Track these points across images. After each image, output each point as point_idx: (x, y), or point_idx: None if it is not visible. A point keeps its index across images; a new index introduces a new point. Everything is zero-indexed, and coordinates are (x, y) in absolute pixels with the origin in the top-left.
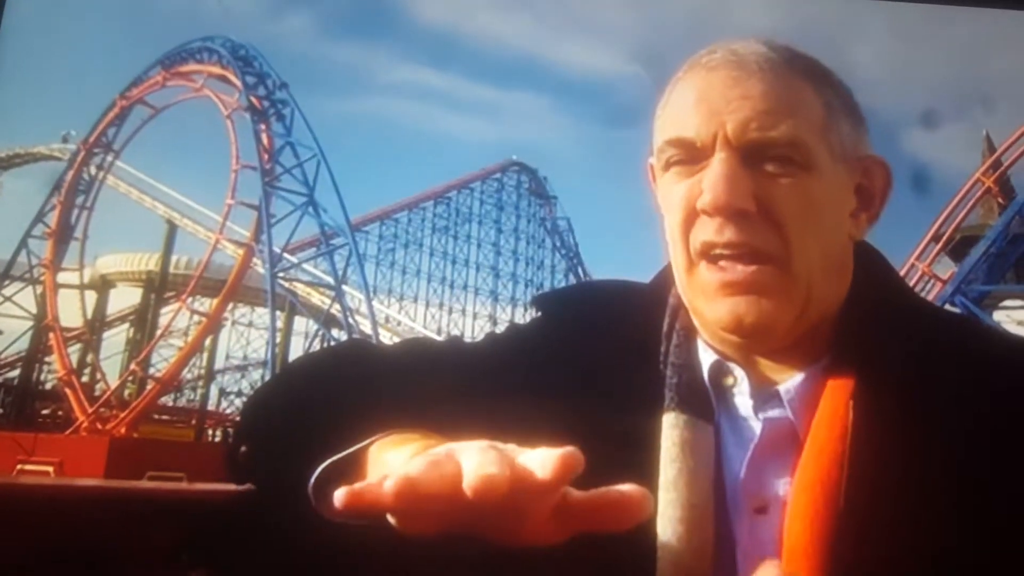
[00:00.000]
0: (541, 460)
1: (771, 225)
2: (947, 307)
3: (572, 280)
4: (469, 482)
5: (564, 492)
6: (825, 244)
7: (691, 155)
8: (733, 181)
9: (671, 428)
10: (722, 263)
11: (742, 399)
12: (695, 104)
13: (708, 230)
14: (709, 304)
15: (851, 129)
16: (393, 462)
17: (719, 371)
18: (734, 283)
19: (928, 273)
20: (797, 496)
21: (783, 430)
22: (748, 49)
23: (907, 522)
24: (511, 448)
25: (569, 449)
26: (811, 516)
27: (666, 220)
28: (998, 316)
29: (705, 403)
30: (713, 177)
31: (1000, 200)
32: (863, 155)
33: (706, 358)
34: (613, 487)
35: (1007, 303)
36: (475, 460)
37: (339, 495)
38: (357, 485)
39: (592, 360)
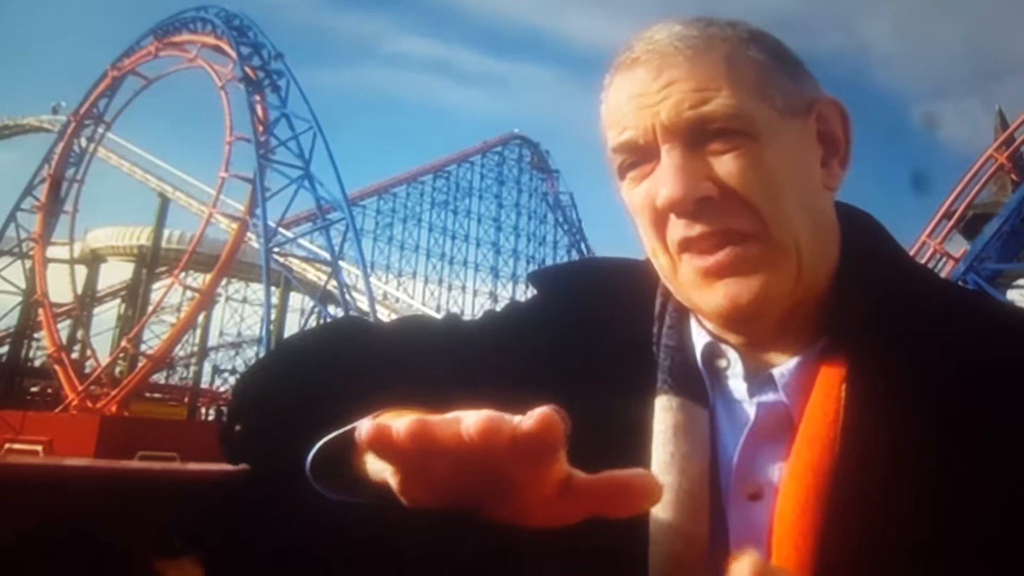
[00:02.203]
0: (531, 416)
1: (739, 204)
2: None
3: (575, 256)
4: (472, 426)
5: (569, 473)
6: (803, 206)
7: (638, 156)
8: (684, 171)
9: (664, 411)
10: (703, 252)
11: (736, 382)
12: (627, 104)
13: (679, 228)
14: (701, 293)
15: (789, 80)
16: None
17: (712, 353)
18: (721, 266)
19: (940, 251)
20: (788, 482)
21: (778, 414)
22: (663, 34)
23: (899, 510)
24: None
25: (545, 409)
26: (802, 503)
27: (639, 226)
28: (1012, 295)
29: (699, 386)
30: (664, 173)
31: (1013, 177)
32: (812, 100)
33: (699, 339)
34: (619, 471)
35: (1021, 282)
36: (478, 415)
37: (364, 426)
38: (382, 419)
39: (586, 340)
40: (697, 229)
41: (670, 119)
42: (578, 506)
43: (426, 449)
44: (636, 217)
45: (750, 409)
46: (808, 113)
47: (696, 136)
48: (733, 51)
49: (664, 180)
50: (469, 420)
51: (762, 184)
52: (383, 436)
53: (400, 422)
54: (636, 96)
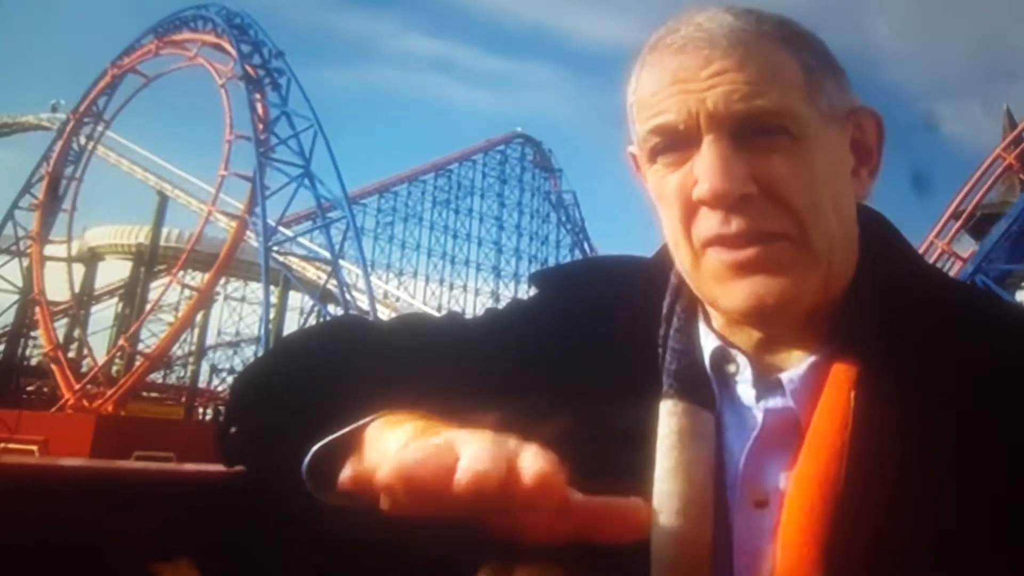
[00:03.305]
0: (535, 469)
1: (778, 205)
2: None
3: (578, 255)
4: (460, 476)
5: (564, 492)
6: (838, 213)
7: (676, 141)
8: (728, 165)
9: (669, 416)
10: (733, 247)
11: (744, 387)
12: (669, 87)
13: (713, 222)
14: (724, 288)
15: (834, 85)
16: (391, 443)
17: (721, 357)
18: (749, 262)
19: (947, 251)
20: (795, 490)
21: (785, 420)
22: (714, 22)
23: (906, 520)
24: (512, 443)
25: (555, 463)
26: (808, 511)
27: (663, 214)
28: (1021, 296)
29: (706, 390)
30: (706, 164)
31: (1022, 177)
32: (851, 108)
33: (708, 343)
34: (615, 499)
35: None
36: (472, 454)
37: (343, 477)
38: (352, 470)
39: (590, 342)
40: (733, 226)
41: (717, 108)
42: (571, 526)
43: (408, 491)
44: (662, 204)
45: (758, 415)
46: (847, 121)
47: (741, 130)
48: (784, 50)
49: (707, 173)
50: (462, 468)
51: (804, 188)
52: (360, 484)
53: (382, 466)
54: (681, 80)
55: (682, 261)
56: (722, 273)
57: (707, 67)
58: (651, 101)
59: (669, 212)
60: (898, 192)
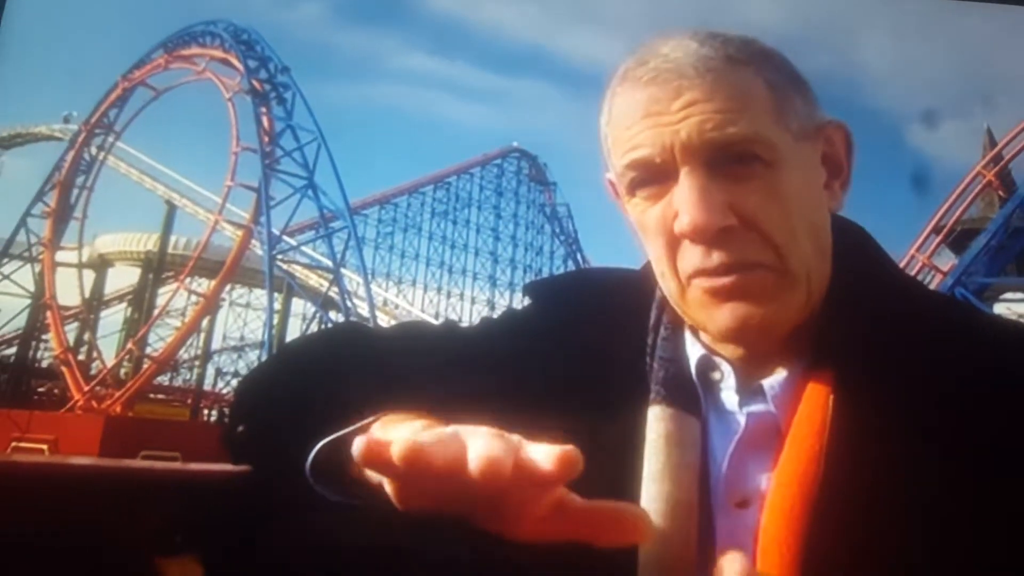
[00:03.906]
0: (545, 454)
1: (758, 235)
2: None
3: (571, 266)
4: (474, 462)
5: (563, 494)
6: (813, 232)
7: (654, 175)
8: (707, 198)
9: (657, 421)
10: (714, 275)
11: (728, 393)
12: (642, 120)
13: (695, 257)
14: (709, 315)
15: (803, 102)
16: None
17: (706, 365)
18: (730, 289)
19: (928, 264)
20: (774, 492)
21: (767, 425)
22: (679, 51)
23: (883, 521)
24: (516, 439)
25: (570, 448)
26: (787, 512)
27: (647, 247)
28: (998, 308)
29: (691, 397)
30: (685, 199)
31: (1001, 194)
32: (820, 123)
33: (693, 352)
34: (615, 503)
35: (1007, 296)
36: (482, 443)
37: (358, 443)
38: (374, 437)
39: (581, 351)
40: (715, 260)
41: (691, 138)
42: (567, 528)
43: (419, 471)
44: (645, 237)
45: (740, 419)
46: (816, 136)
47: (716, 159)
48: (751, 74)
49: (686, 205)
50: (475, 455)
51: (780, 216)
52: (375, 454)
53: (396, 443)
54: (653, 114)
55: (670, 291)
56: (706, 301)
57: (678, 98)
58: (625, 136)
59: (653, 245)
60: (881, 206)
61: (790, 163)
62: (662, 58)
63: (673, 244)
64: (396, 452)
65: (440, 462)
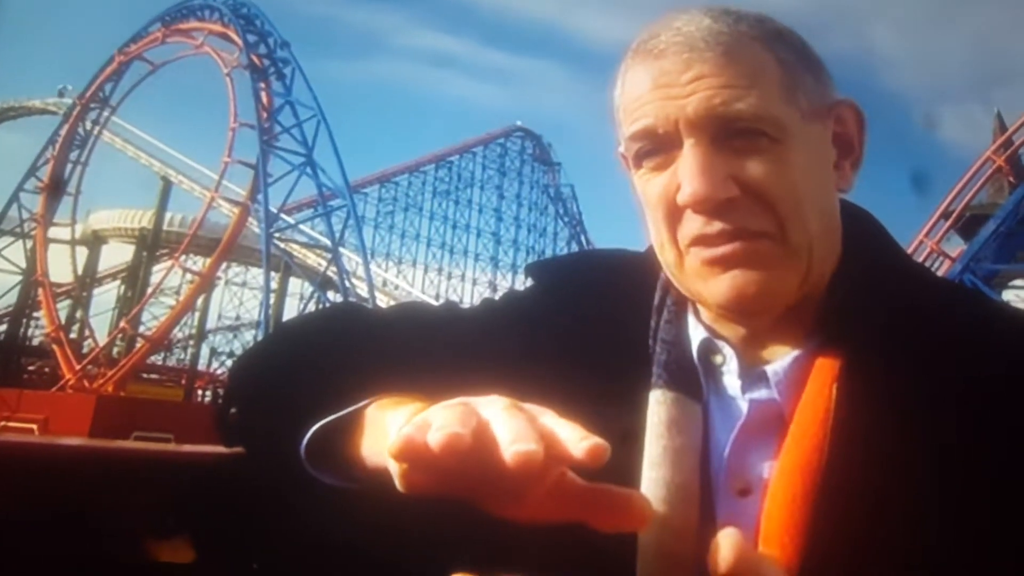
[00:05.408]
0: (577, 445)
1: (760, 206)
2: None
3: (575, 248)
4: (508, 453)
5: (566, 475)
6: (819, 209)
7: (659, 146)
8: (709, 169)
9: (658, 405)
10: (713, 244)
11: (730, 378)
12: (650, 92)
13: (695, 224)
14: (706, 284)
15: (813, 81)
16: (392, 424)
17: (708, 348)
18: (729, 257)
19: (937, 250)
20: (777, 480)
21: (770, 412)
22: (692, 25)
23: (886, 510)
24: (534, 409)
25: (601, 442)
26: (789, 501)
27: (648, 216)
28: (1007, 295)
29: (693, 381)
30: (688, 169)
31: (1011, 180)
32: (831, 102)
33: (696, 335)
34: (616, 487)
35: (1017, 282)
36: (509, 429)
37: (395, 443)
38: (407, 431)
39: (583, 332)
40: (715, 227)
41: (697, 113)
42: (567, 509)
43: (457, 461)
44: (648, 208)
45: (743, 405)
46: (827, 115)
47: (721, 133)
48: (763, 50)
49: (688, 176)
50: (507, 447)
51: (785, 189)
52: (411, 449)
53: (433, 433)
54: (662, 86)
55: (667, 262)
56: (704, 270)
57: (687, 72)
58: (633, 106)
59: (654, 215)
60: (891, 191)
61: (797, 140)
62: (674, 31)
63: (674, 214)
64: (436, 444)
65: (475, 453)
